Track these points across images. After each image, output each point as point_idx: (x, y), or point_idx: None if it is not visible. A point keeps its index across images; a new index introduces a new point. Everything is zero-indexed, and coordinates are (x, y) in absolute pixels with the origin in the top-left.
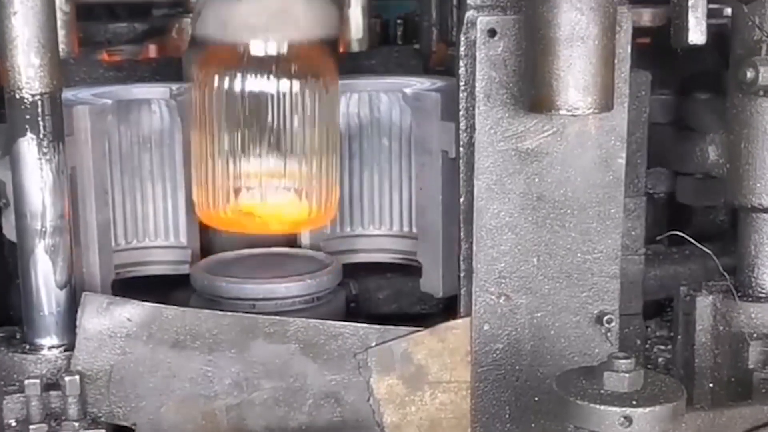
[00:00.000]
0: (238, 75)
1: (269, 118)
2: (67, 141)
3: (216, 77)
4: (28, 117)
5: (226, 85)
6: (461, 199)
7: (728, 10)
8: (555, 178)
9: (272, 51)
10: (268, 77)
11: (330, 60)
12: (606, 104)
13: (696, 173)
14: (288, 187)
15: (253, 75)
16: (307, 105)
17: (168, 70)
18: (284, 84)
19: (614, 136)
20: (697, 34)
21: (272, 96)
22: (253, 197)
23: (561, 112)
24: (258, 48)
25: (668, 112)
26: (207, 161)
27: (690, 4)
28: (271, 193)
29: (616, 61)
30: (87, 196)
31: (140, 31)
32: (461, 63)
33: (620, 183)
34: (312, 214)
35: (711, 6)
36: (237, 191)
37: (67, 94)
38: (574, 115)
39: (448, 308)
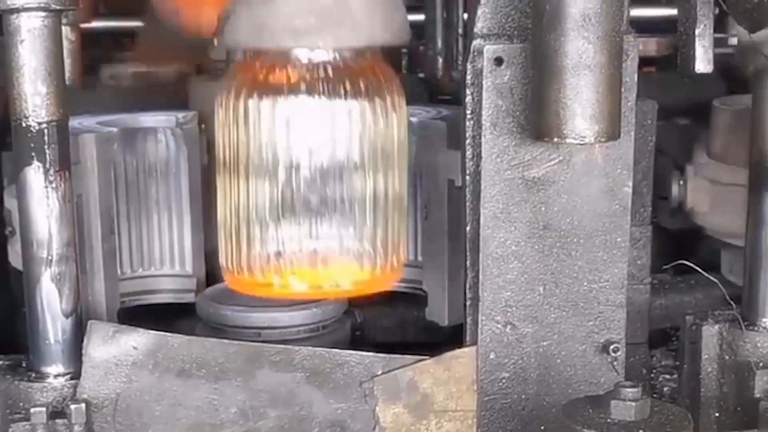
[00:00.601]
0: (279, 94)
1: (319, 151)
2: (73, 169)
3: (249, 98)
4: (34, 145)
5: (262, 108)
6: (467, 228)
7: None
8: (561, 206)
9: (323, 60)
10: (317, 95)
11: (396, 74)
12: (613, 132)
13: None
14: (347, 247)
15: (299, 93)
16: (369, 131)
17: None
18: (339, 104)
19: (621, 164)
20: (704, 63)
21: (323, 120)
22: (300, 261)
23: (568, 140)
24: (305, 57)
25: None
26: (237, 216)
27: (697, 33)
28: (324, 255)
29: (622, 90)
30: (93, 224)
31: None
32: (467, 91)
33: (627, 212)
34: (376, 276)
35: (716, 35)
36: (279, 255)
37: (73, 122)
38: (581, 144)
39: (454, 337)
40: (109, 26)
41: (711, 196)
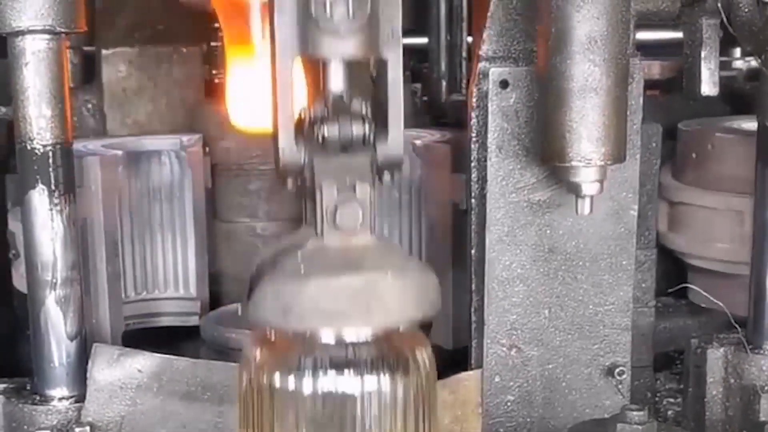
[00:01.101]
0: (306, 373)
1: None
2: (77, 192)
3: (274, 377)
4: (39, 168)
5: (288, 386)
6: (472, 251)
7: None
8: (567, 229)
9: (352, 341)
10: (345, 373)
11: (428, 347)
12: (619, 155)
13: None
14: None
15: (326, 373)
16: (399, 412)
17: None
18: (369, 382)
19: (626, 187)
20: (709, 85)
21: (352, 400)
22: None
23: (573, 163)
24: (332, 338)
25: None
26: None
27: (703, 55)
28: None
29: (628, 113)
30: (98, 247)
31: None
32: (473, 114)
33: (632, 235)
34: None
35: (721, 58)
36: None
37: (78, 145)
38: (587, 167)
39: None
40: None
41: (669, 216)
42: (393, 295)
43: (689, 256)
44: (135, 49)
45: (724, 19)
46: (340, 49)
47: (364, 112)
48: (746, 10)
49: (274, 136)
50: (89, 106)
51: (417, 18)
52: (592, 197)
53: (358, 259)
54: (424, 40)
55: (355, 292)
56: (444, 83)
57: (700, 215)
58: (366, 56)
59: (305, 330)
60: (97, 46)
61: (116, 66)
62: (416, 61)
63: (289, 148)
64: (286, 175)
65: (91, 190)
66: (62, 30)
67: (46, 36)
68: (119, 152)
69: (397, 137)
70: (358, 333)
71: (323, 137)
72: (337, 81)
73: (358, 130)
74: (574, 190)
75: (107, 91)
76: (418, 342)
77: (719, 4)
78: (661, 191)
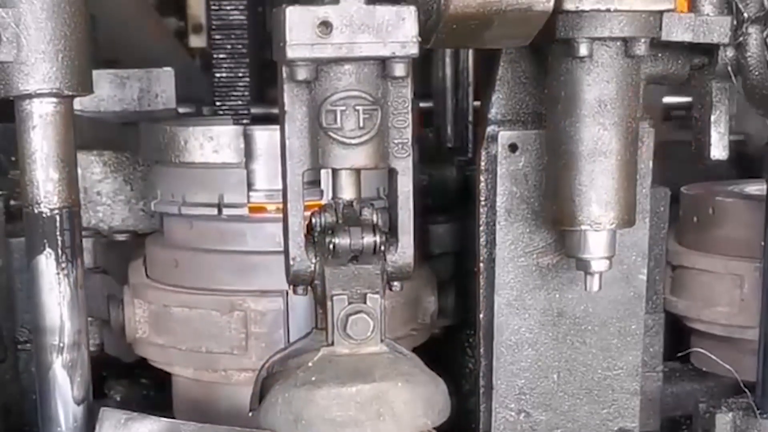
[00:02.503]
0: None
1: None
2: None
3: None
4: (46, 232)
5: None
6: (480, 315)
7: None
8: (576, 293)
9: None
10: None
11: None
12: (628, 220)
13: None
14: None
15: None
16: None
17: None
18: None
19: (636, 251)
20: (719, 149)
21: None
22: None
23: (583, 227)
24: None
25: None
26: None
27: (712, 119)
28: None
29: (638, 176)
30: None
31: None
32: (482, 178)
33: (641, 299)
34: None
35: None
36: None
37: None
38: (596, 231)
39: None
40: None
41: (672, 279)
42: (403, 404)
43: (691, 320)
44: None
45: (735, 83)
46: (350, 159)
47: (374, 221)
48: (756, 73)
49: (285, 245)
50: None
51: (422, 82)
52: (600, 274)
53: (369, 368)
54: (429, 104)
55: (366, 401)
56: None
57: (701, 279)
58: (376, 167)
59: None
60: None
61: None
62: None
63: (299, 257)
64: (297, 283)
65: None
66: (70, 93)
67: (54, 99)
68: None
69: (407, 246)
70: None
71: (334, 246)
72: (347, 190)
73: (368, 239)
74: (583, 267)
75: None
76: None
77: (729, 68)
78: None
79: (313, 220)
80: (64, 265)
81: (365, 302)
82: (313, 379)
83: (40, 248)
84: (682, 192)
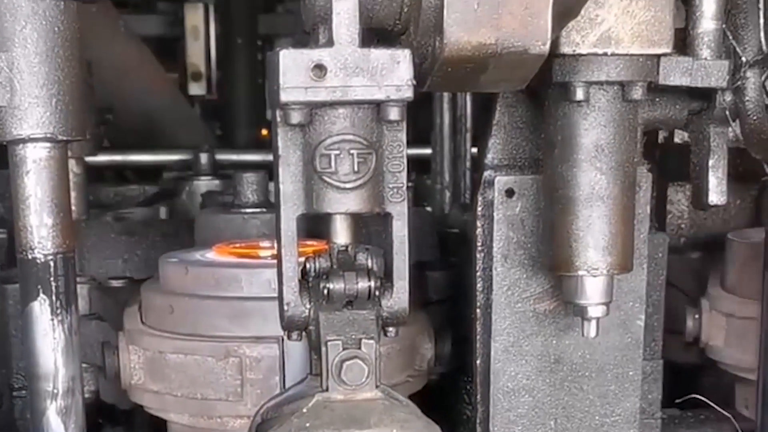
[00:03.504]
0: None
1: None
2: None
3: None
4: (40, 278)
5: None
6: (477, 361)
7: None
8: (573, 339)
9: None
10: None
11: None
12: (626, 265)
13: None
14: None
15: None
16: None
17: (179, 232)
18: None
19: (633, 297)
20: (717, 194)
21: None
22: None
23: (580, 272)
24: None
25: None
26: None
27: (710, 164)
28: None
29: (635, 222)
30: None
31: (151, 194)
32: (478, 223)
33: (639, 345)
34: None
35: None
36: None
37: None
38: (594, 276)
39: None
40: (114, 160)
41: (726, 329)
42: None
43: (743, 370)
44: None
45: (733, 127)
46: (345, 204)
47: (369, 266)
48: (754, 117)
49: (279, 290)
50: None
51: (420, 128)
52: (598, 320)
53: (364, 414)
54: (427, 150)
55: None
56: (448, 194)
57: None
58: (371, 211)
59: None
60: None
61: None
62: (419, 172)
63: (293, 303)
64: (292, 329)
65: None
66: (63, 138)
67: (48, 144)
68: None
69: (403, 291)
70: None
71: (328, 291)
72: (342, 235)
73: (363, 284)
74: (580, 313)
75: None
76: None
77: (727, 112)
78: (711, 304)
79: (308, 265)
80: (58, 311)
81: (360, 348)
82: (308, 425)
83: (34, 294)
84: (730, 238)
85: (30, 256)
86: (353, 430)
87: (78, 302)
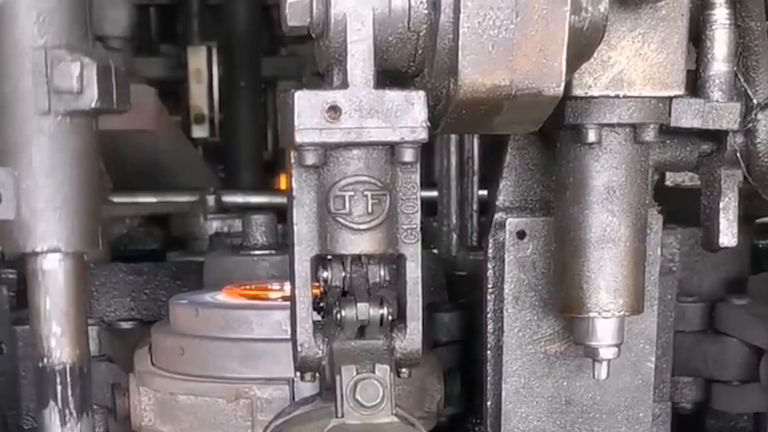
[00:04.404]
0: None
1: None
2: None
3: None
4: (52, 387)
5: None
6: (488, 403)
7: None
8: (584, 381)
9: None
10: None
11: None
12: (637, 306)
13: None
14: None
15: None
16: None
17: (188, 274)
18: None
19: (643, 339)
20: (728, 236)
21: None
22: None
23: (591, 314)
24: None
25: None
26: None
27: (721, 206)
28: None
29: (646, 264)
30: None
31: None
32: (489, 265)
33: (649, 387)
34: None
35: None
36: None
37: None
38: (605, 318)
39: None
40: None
41: None
42: None
43: None
44: None
45: (744, 170)
46: (359, 246)
47: (382, 275)
48: (766, 159)
49: (293, 331)
50: None
51: (427, 171)
52: (609, 361)
53: None
54: (434, 193)
55: None
56: (455, 236)
57: None
58: (384, 252)
59: None
60: None
61: None
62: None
63: (307, 344)
64: (305, 370)
65: None
66: (74, 250)
67: (59, 255)
68: None
69: (416, 332)
70: None
71: (342, 318)
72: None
73: (375, 312)
74: (591, 354)
75: None
76: None
77: (738, 154)
78: None
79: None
80: (68, 420)
81: (374, 371)
82: None
83: (45, 401)
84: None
85: (40, 364)
86: None
87: (92, 408)
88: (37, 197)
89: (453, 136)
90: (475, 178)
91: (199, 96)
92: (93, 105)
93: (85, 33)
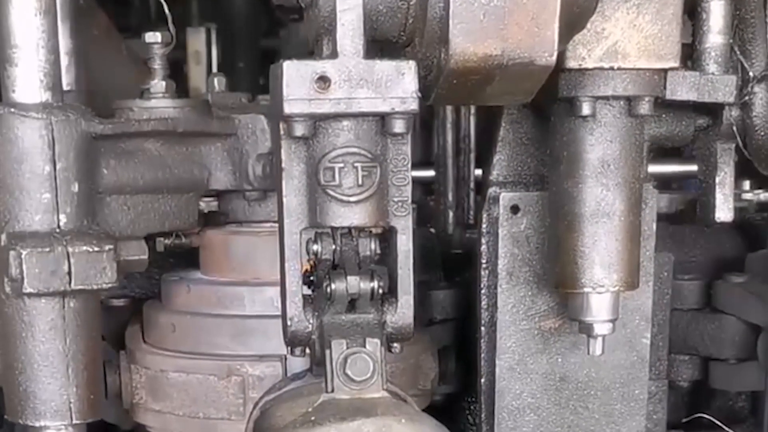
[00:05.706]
0: None
1: None
2: None
3: None
4: None
5: None
6: (482, 380)
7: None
8: (578, 358)
9: None
10: None
11: None
12: (632, 282)
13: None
14: None
15: None
16: None
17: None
18: None
19: (639, 315)
20: (724, 211)
21: None
22: None
23: (586, 289)
24: None
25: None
26: None
27: (717, 180)
28: None
29: (641, 239)
30: None
31: None
32: (483, 240)
33: (645, 363)
34: None
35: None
36: None
37: None
38: (599, 293)
39: None
40: None
41: None
42: None
43: None
44: None
45: (740, 143)
46: (349, 218)
47: (372, 248)
48: (762, 133)
49: (283, 305)
50: None
51: (424, 150)
52: (604, 337)
53: (371, 407)
54: (431, 172)
55: None
56: (451, 214)
57: None
58: (375, 225)
59: None
60: None
61: None
62: (423, 193)
63: (297, 317)
64: (295, 344)
65: None
66: (79, 422)
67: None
68: None
69: (407, 306)
70: None
71: (332, 292)
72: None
73: (365, 285)
74: (586, 330)
75: None
76: None
77: (734, 128)
78: None
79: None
80: None
81: (364, 346)
82: (313, 418)
83: None
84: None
85: None
86: (359, 417)
87: None
88: (39, 375)
89: (450, 115)
90: (472, 156)
91: (198, 78)
92: None
93: None
